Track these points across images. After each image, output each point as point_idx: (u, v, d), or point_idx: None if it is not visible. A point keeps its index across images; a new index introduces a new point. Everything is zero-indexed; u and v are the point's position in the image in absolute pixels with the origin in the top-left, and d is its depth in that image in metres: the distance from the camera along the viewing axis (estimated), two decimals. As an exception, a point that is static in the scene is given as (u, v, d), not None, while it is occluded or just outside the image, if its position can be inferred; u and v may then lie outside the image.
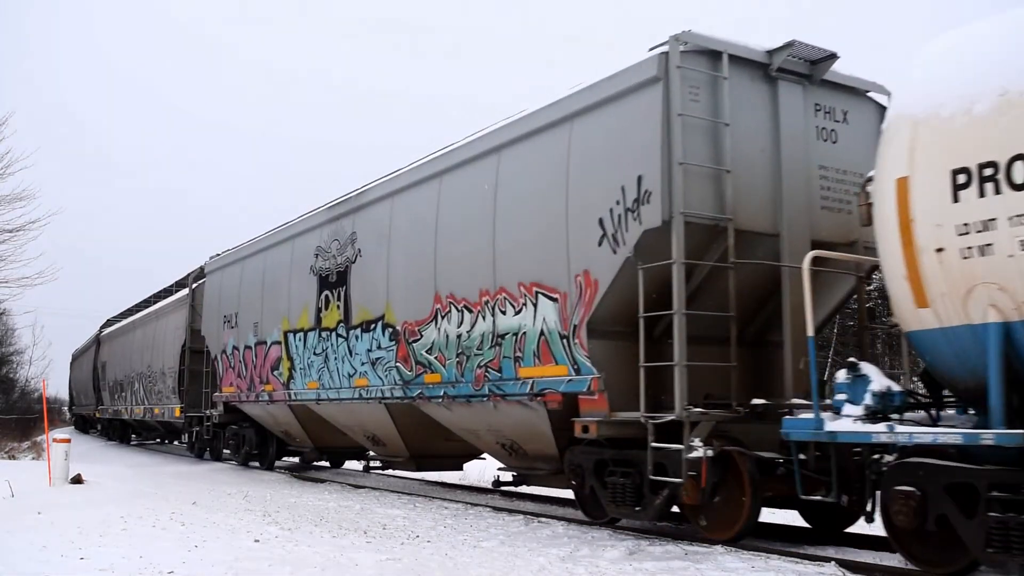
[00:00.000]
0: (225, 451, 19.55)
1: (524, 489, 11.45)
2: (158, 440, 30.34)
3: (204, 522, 9.13)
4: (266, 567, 6.50)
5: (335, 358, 12.75)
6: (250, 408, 16.51)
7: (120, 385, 28.74)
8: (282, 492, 12.80)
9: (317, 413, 13.97)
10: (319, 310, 13.30)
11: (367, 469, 14.96)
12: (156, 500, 11.37)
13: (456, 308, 10.00)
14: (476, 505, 11.00)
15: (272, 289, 15.18)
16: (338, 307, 12.69)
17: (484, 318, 9.52)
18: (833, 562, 6.63)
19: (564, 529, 8.81)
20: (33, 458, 23.47)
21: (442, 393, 10.16)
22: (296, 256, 14.30)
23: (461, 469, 14.04)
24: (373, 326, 11.75)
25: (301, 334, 13.88)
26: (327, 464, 18.09)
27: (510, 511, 10.36)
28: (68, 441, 13.97)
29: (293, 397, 14.22)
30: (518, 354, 9.03)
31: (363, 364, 11.97)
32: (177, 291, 24.84)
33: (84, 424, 43.34)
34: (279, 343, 14.65)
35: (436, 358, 10.35)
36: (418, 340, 10.69)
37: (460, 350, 9.90)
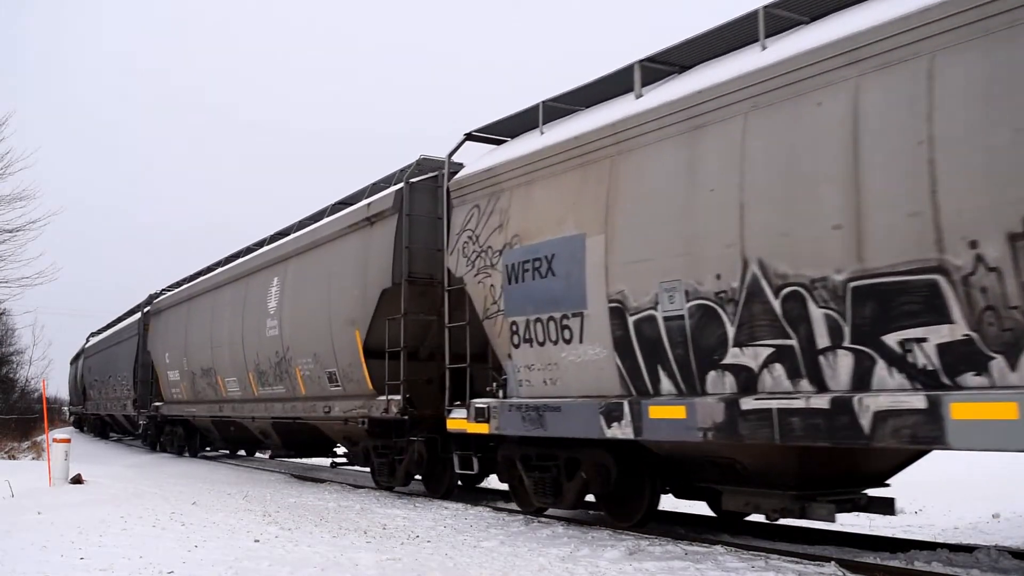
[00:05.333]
0: None
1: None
2: None
3: (204, 522, 9.13)
4: (266, 567, 6.51)
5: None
6: None
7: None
8: (282, 492, 12.80)
9: None
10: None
11: None
12: (156, 500, 11.38)
13: None
14: (476, 505, 10.99)
15: None
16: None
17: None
18: (833, 562, 6.64)
19: (564, 529, 8.81)
20: (33, 458, 23.49)
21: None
22: None
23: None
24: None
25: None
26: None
27: (510, 511, 10.36)
28: (68, 441, 13.97)
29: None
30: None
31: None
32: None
33: (153, 431, 24.92)
34: None
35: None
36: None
37: None
